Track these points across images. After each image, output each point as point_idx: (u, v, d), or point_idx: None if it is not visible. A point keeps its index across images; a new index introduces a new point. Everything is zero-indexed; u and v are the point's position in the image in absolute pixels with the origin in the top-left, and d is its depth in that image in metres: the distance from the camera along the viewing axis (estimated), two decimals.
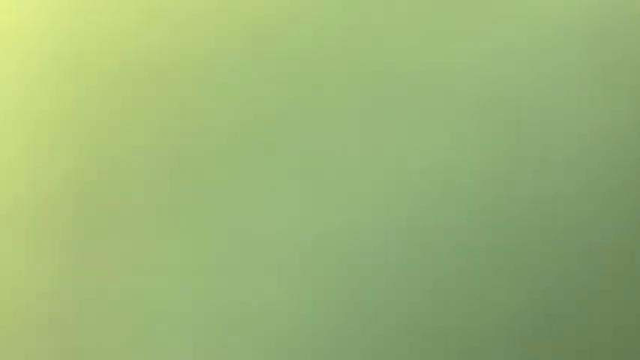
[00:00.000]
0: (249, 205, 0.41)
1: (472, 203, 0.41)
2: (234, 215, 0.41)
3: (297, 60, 0.41)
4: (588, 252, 0.42)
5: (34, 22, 0.42)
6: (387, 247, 0.41)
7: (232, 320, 0.41)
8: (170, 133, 0.41)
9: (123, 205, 0.41)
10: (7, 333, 0.41)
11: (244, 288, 0.41)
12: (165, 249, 0.41)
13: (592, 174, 0.42)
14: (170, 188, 0.41)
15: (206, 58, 0.41)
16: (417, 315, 0.41)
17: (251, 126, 0.41)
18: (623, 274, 0.42)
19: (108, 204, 0.41)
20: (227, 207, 0.41)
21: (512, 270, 0.41)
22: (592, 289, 0.42)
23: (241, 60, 0.41)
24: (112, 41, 0.41)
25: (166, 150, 0.41)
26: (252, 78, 0.41)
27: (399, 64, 0.41)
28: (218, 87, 0.41)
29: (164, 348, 0.41)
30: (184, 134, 0.41)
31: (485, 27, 0.42)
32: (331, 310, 0.41)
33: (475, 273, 0.41)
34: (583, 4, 0.42)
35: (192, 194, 0.41)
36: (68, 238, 0.41)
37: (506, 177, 0.41)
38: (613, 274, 0.42)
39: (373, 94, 0.41)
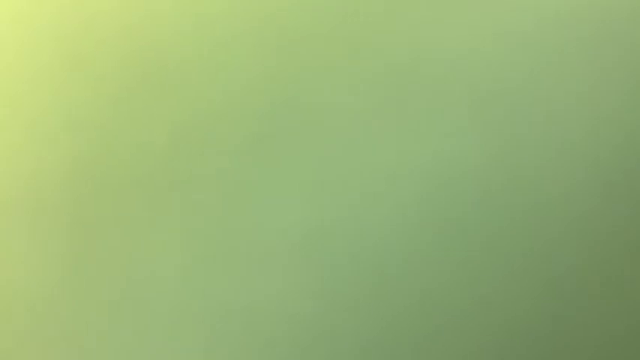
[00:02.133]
0: (248, 200, 0.41)
1: (470, 198, 0.41)
2: (234, 212, 0.41)
3: (294, 54, 0.41)
4: (587, 250, 0.42)
5: (33, 18, 0.42)
6: (386, 246, 0.41)
7: (231, 316, 0.41)
8: (170, 129, 0.41)
9: (122, 201, 0.41)
10: (6, 328, 0.41)
11: (243, 284, 0.41)
12: (166, 244, 0.41)
13: (590, 167, 0.42)
14: (170, 182, 0.41)
15: (205, 55, 0.41)
16: (414, 313, 0.41)
17: (250, 123, 0.41)
18: (623, 273, 0.42)
19: (107, 200, 0.41)
20: (227, 203, 0.41)
21: (512, 269, 0.41)
22: (592, 289, 0.42)
23: (241, 57, 0.41)
24: (111, 36, 0.41)
25: (166, 146, 0.41)
26: (251, 74, 0.41)
27: (398, 61, 0.41)
28: (217, 83, 0.41)
29: (162, 341, 0.41)
30: (184, 130, 0.41)
31: (482, 21, 0.41)
32: (329, 308, 0.41)
33: (474, 272, 0.41)
34: None
35: (193, 191, 0.41)
36: (67, 234, 0.41)
37: (505, 171, 0.41)
38: (613, 273, 0.42)
39: (372, 90, 0.41)
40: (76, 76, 0.41)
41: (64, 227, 0.41)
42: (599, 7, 0.41)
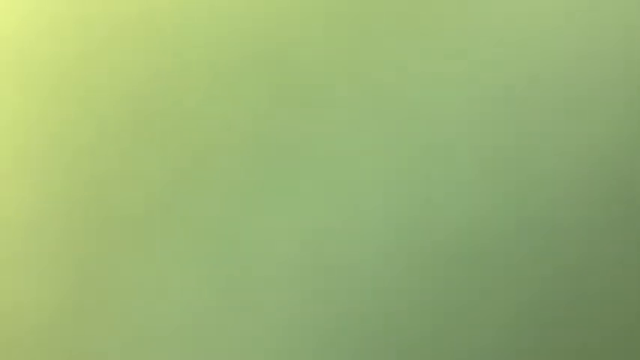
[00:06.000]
0: (250, 209, 0.41)
1: (471, 208, 0.41)
2: (236, 221, 0.41)
3: (300, 65, 0.41)
4: (589, 252, 0.42)
5: (38, 28, 0.41)
6: (388, 251, 0.41)
7: (235, 327, 0.41)
8: (171, 140, 0.41)
9: (125, 213, 0.41)
10: (9, 344, 0.41)
11: (246, 294, 0.41)
12: (167, 256, 0.41)
13: (588, 178, 0.42)
14: (172, 194, 0.41)
15: (210, 64, 0.41)
16: (417, 317, 0.41)
17: (251, 133, 0.41)
18: (622, 274, 0.42)
19: (111, 214, 0.41)
20: (229, 213, 0.41)
21: (512, 272, 0.41)
22: (592, 290, 0.42)
23: (245, 65, 0.41)
24: (117, 48, 0.41)
25: (167, 157, 0.41)
26: (255, 83, 0.41)
27: (400, 69, 0.41)
28: (221, 92, 0.41)
29: (165, 355, 0.41)
30: (184, 142, 0.41)
31: (479, 39, 0.42)
32: (333, 312, 0.41)
33: (476, 275, 0.41)
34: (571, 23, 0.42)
35: (194, 201, 0.41)
36: (70, 249, 0.41)
37: (507, 179, 0.41)
38: (613, 274, 0.42)
39: (375, 96, 0.41)
40: (81, 108, 0.41)
41: (68, 252, 0.41)
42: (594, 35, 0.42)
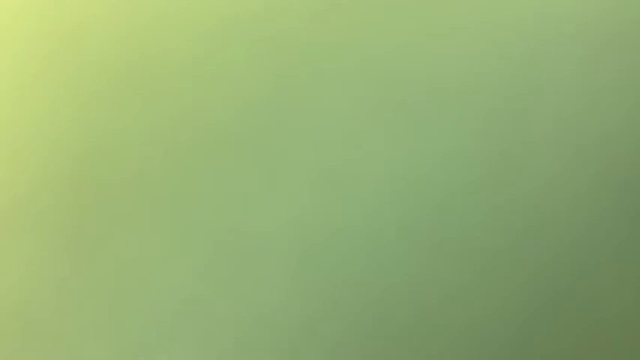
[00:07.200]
0: (245, 200, 0.41)
1: (465, 195, 0.41)
2: (231, 210, 0.41)
3: (294, 54, 0.41)
4: (586, 252, 0.42)
5: (27, 19, 0.42)
6: (383, 247, 0.41)
7: (228, 318, 0.41)
8: (166, 125, 0.41)
9: (119, 199, 0.41)
10: (4, 329, 0.41)
11: (240, 284, 0.41)
12: (161, 243, 0.41)
13: (588, 175, 0.42)
14: (165, 182, 0.41)
15: (200, 50, 0.41)
16: (411, 315, 0.41)
17: (246, 122, 0.41)
18: (621, 273, 0.42)
19: (104, 203, 0.41)
20: (224, 202, 0.41)
21: (511, 271, 0.41)
22: (590, 288, 0.42)
23: (237, 52, 0.42)
24: (105, 35, 0.42)
25: (161, 144, 0.41)
26: (247, 72, 0.41)
27: (398, 66, 0.42)
28: (213, 79, 0.41)
29: (158, 344, 0.41)
30: (180, 128, 0.41)
31: (476, 28, 0.42)
32: (327, 308, 0.41)
33: (474, 273, 0.41)
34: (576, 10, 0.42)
35: (188, 190, 0.41)
36: (65, 237, 0.41)
37: (502, 176, 0.41)
38: (612, 273, 0.42)
39: (371, 92, 0.41)
40: (73, 81, 0.42)
41: (61, 230, 0.41)
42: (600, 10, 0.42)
